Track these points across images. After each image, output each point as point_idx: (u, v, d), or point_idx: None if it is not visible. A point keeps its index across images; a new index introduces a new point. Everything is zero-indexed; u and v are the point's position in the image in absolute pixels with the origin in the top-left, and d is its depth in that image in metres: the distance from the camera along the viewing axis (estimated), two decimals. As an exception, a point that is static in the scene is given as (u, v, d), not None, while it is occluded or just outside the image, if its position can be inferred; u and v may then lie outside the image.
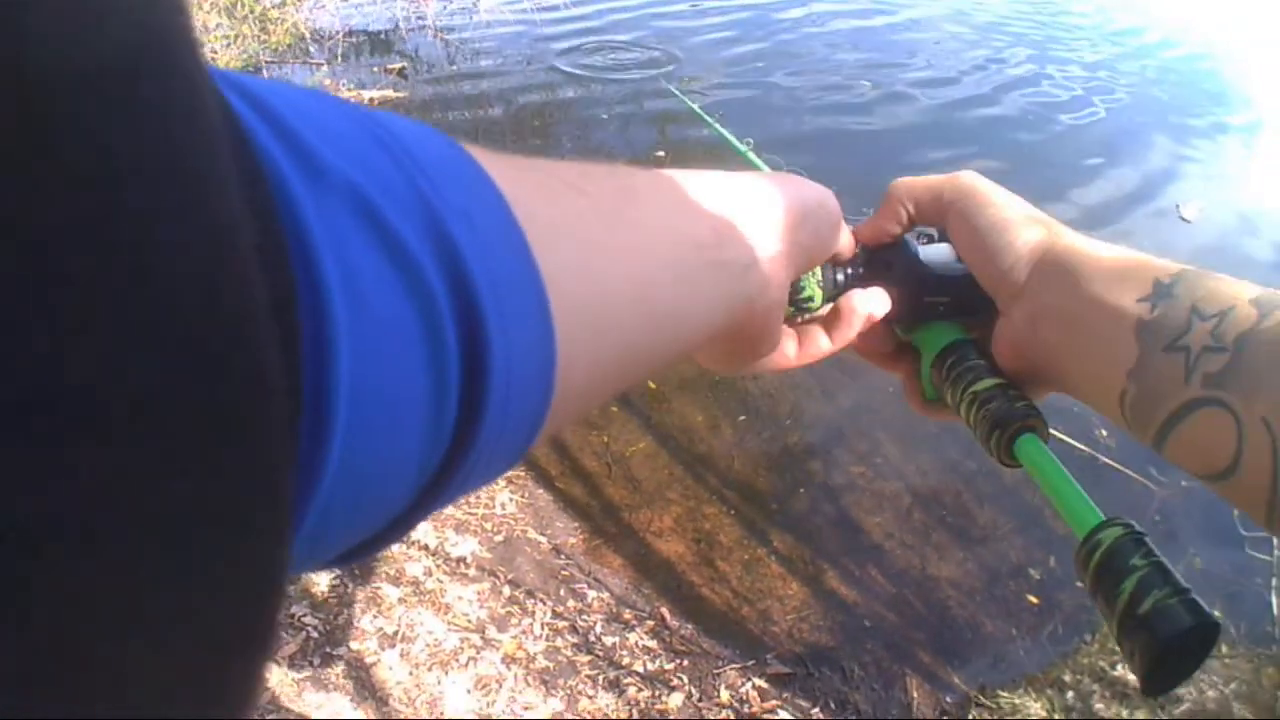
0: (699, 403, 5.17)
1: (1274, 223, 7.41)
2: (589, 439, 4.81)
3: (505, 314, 0.35)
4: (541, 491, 4.48)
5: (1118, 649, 0.63)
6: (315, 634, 3.35)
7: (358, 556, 0.37)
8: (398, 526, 0.38)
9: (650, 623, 3.88)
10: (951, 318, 0.77)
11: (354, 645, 3.38)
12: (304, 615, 3.40)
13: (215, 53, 6.14)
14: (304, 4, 9.27)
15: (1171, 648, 0.52)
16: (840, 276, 0.76)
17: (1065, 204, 6.93)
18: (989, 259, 0.71)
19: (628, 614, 3.91)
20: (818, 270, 0.75)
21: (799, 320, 0.76)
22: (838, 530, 4.52)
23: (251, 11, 7.62)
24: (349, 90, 8.08)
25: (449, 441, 0.35)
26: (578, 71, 9.15)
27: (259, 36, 7.63)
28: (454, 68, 9.27)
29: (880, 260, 0.78)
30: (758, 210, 0.58)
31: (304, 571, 0.44)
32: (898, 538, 4.48)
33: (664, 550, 4.29)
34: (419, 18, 9.66)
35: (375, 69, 9.01)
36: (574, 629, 3.76)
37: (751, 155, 1.07)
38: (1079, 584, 0.60)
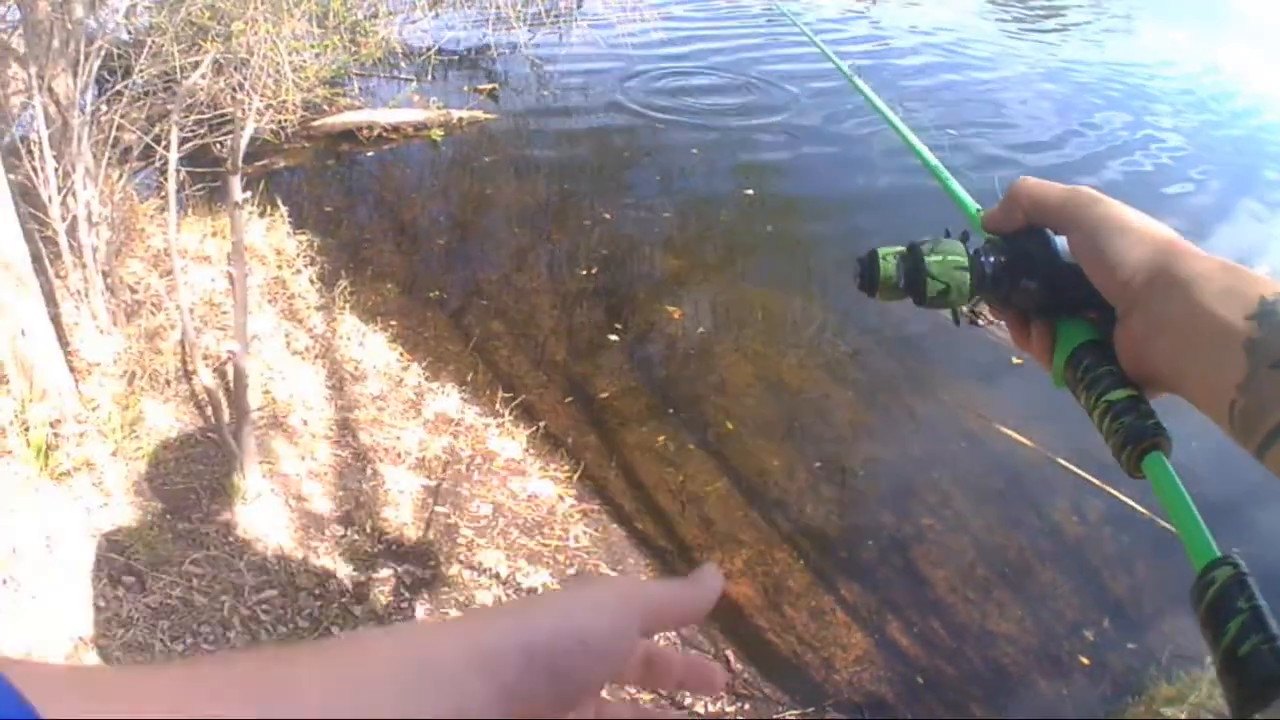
0: (776, 447, 5.16)
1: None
2: (665, 477, 4.82)
3: None
4: (616, 527, 4.47)
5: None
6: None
7: None
8: None
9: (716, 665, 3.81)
10: (1081, 312, 0.81)
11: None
12: (361, 626, 3.39)
13: (304, 63, 6.24)
14: (396, 17, 9.38)
15: (1260, 690, 0.55)
16: (989, 263, 0.84)
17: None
18: (1108, 268, 0.75)
19: (693, 654, 3.83)
20: (958, 251, 0.84)
21: (967, 316, 0.88)
22: (904, 581, 4.51)
23: (343, 21, 7.74)
24: (437, 108, 8.19)
25: None
26: (666, 106, 9.20)
27: (349, 48, 7.75)
28: (543, 94, 9.40)
29: (1020, 249, 0.83)
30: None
31: None
32: (961, 592, 4.47)
33: (734, 592, 4.27)
34: (510, 42, 9.74)
35: (465, 88, 9.13)
36: (637, 666, 3.71)
37: (954, 186, 1.04)
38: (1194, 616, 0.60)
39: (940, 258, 0.84)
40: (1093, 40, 13.88)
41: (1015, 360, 6.01)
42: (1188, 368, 0.71)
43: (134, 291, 4.83)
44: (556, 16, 10.55)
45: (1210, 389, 0.69)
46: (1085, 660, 4.30)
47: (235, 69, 5.27)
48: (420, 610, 3.58)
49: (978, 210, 0.92)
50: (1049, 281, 0.81)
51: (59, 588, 3.11)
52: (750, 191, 7.85)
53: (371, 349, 5.12)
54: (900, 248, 0.87)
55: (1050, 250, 0.80)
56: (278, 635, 3.23)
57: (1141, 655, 4.33)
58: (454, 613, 3.62)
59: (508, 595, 3.83)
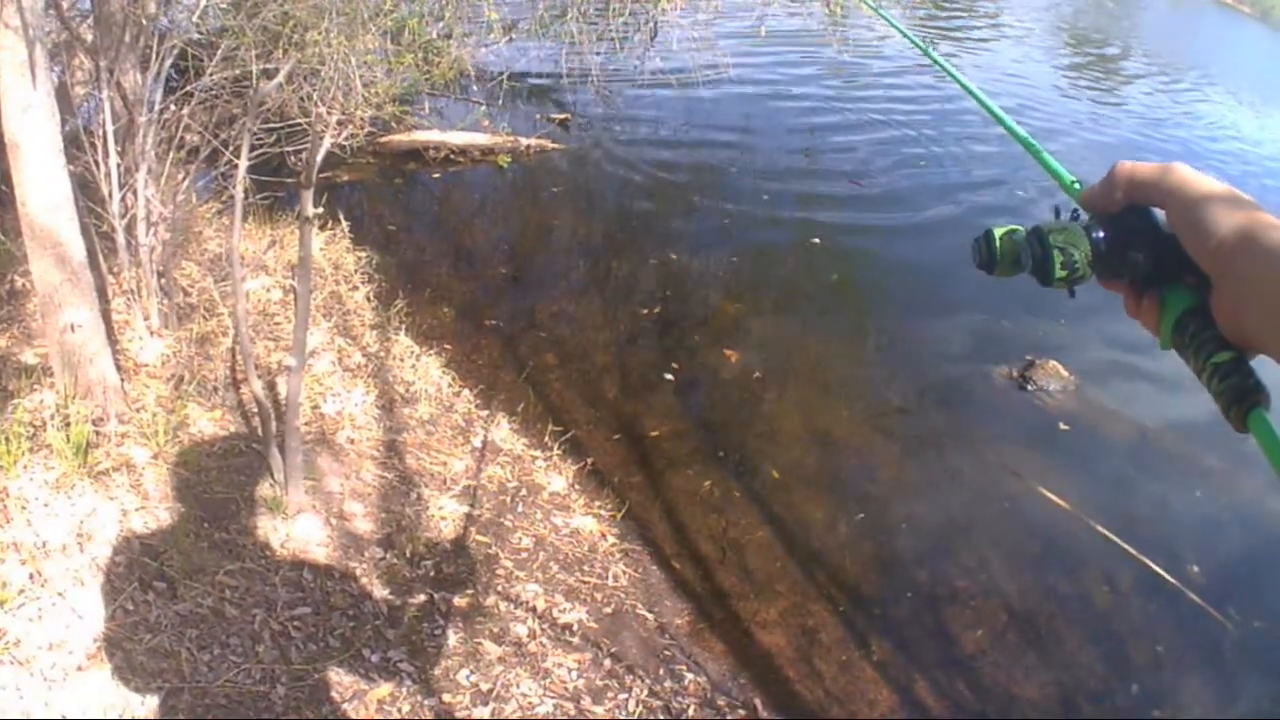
0: (820, 499, 5.15)
1: None
2: (708, 521, 4.81)
3: None
4: (655, 569, 4.45)
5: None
6: (410, 681, 3.33)
7: None
8: None
9: (742, 712, 3.85)
10: (1184, 280, 0.88)
11: (446, 698, 3.36)
12: (400, 661, 3.38)
13: (375, 79, 6.27)
14: (470, 39, 9.46)
15: None
16: (1100, 239, 0.92)
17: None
18: (1200, 238, 0.82)
19: (722, 701, 3.88)
20: (1077, 232, 0.93)
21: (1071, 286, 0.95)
22: (935, 641, 4.52)
23: (417, 39, 7.80)
24: (505, 134, 8.26)
25: None
26: (734, 144, 9.26)
27: (421, 66, 7.80)
28: (614, 127, 9.47)
29: (1125, 225, 0.92)
30: None
31: None
32: (990, 655, 4.47)
33: (766, 641, 4.27)
34: (583, 70, 9.81)
35: (537, 116, 9.21)
36: (667, 709, 3.73)
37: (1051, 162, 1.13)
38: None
39: (1063, 237, 0.93)
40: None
41: (1063, 426, 6.08)
42: (1275, 334, 0.77)
43: (187, 295, 4.87)
44: (630, 48, 10.60)
45: None
46: (1110, 728, 4.40)
47: (305, 79, 5.32)
48: (453, 639, 3.55)
49: (1073, 182, 1.04)
50: (1153, 253, 0.90)
51: (87, 587, 3.10)
52: (816, 240, 7.86)
53: (424, 372, 5.14)
54: (1011, 227, 0.99)
55: (1152, 223, 0.90)
56: (307, 653, 3.20)
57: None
58: (487, 644, 3.63)
59: (542, 629, 3.81)
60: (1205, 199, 0.83)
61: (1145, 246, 0.90)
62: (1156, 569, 5.04)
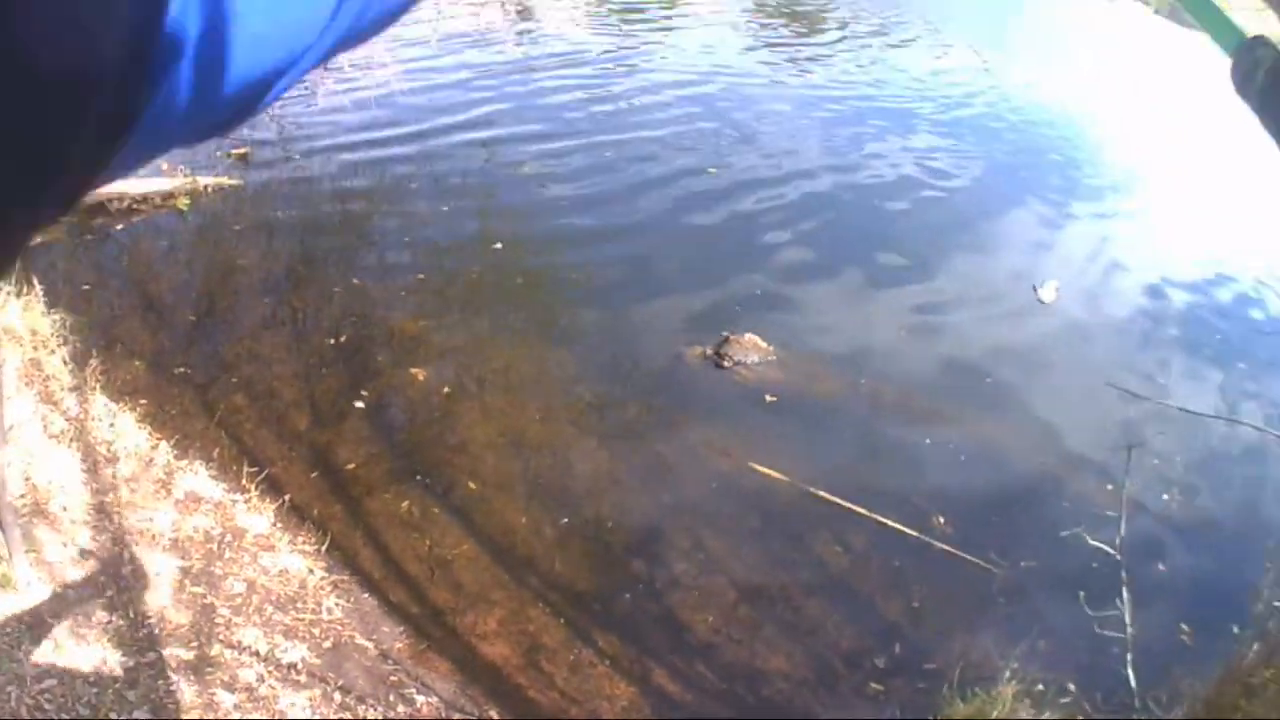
0: (520, 505, 5.57)
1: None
2: (411, 542, 5.29)
3: None
4: (367, 596, 4.93)
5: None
6: (145, 733, 3.76)
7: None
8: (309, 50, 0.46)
9: (482, 725, 4.16)
10: None
11: (186, 750, 3.79)
12: (136, 711, 3.78)
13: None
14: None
15: None
16: None
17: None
18: None
19: (457, 717, 4.29)
20: None
21: None
22: (664, 628, 4.91)
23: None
24: (184, 176, 8.70)
25: None
26: (409, 157, 9.78)
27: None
28: (290, 155, 9.80)
29: None
30: None
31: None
32: (725, 633, 4.87)
33: (490, 653, 4.66)
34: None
35: (216, 152, 9.45)
36: (407, 734, 4.06)
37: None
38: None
39: None
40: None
41: (769, 398, 6.56)
42: None
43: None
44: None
45: None
46: (876, 687, 4.75)
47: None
48: (189, 693, 3.94)
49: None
50: None
51: None
52: (498, 246, 8.39)
53: (122, 429, 5.54)
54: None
55: None
56: (62, 726, 3.56)
57: (933, 677, 4.74)
58: (220, 693, 4.02)
59: (269, 671, 4.19)
60: None
61: None
62: (896, 525, 5.39)
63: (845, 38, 16.35)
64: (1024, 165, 12.16)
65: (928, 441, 6.50)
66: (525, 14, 13.08)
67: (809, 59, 15.16)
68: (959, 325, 8.17)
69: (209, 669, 4.12)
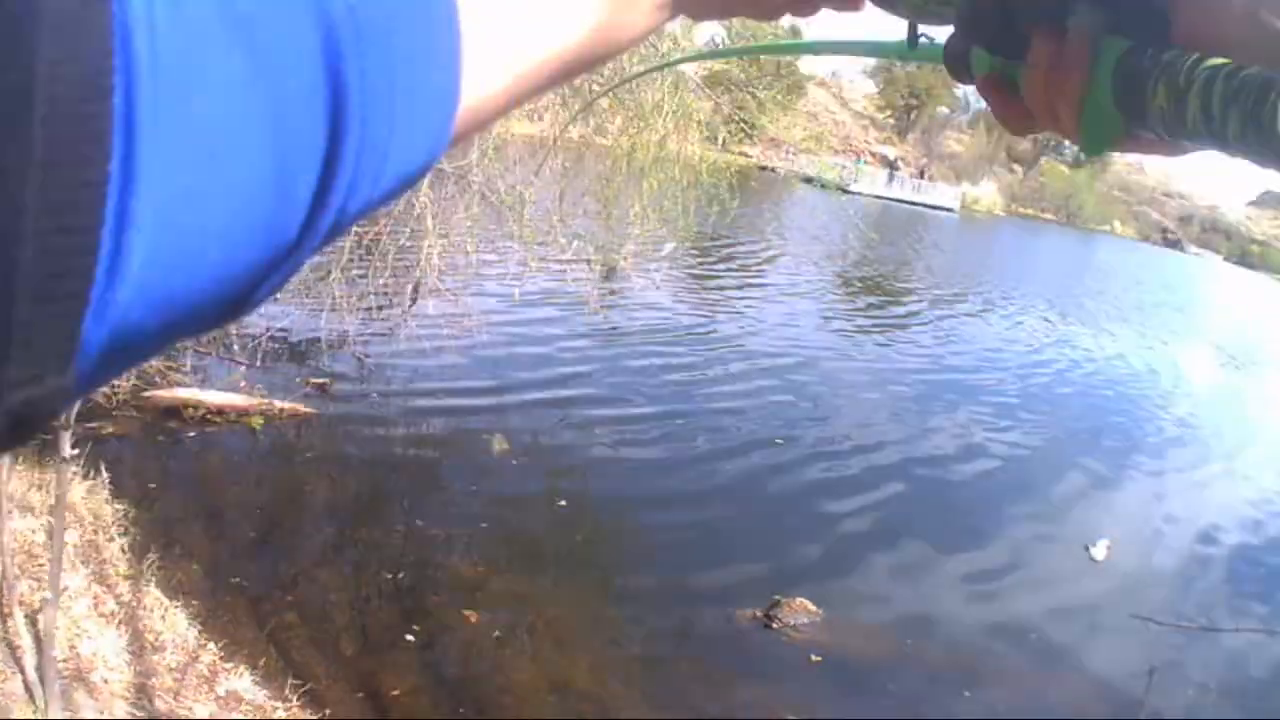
0: None
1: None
2: None
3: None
4: None
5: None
6: None
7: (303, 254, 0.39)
8: (297, 246, 0.39)
9: None
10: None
11: None
12: None
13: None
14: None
15: None
16: None
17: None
18: None
19: None
20: None
21: None
22: None
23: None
24: (260, 396, 8.89)
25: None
26: (484, 408, 9.98)
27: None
28: (369, 391, 10.06)
29: None
30: None
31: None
32: None
33: None
34: (340, 333, 10.41)
35: (297, 379, 9.76)
36: None
37: None
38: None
39: None
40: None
41: (814, 658, 6.62)
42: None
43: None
44: (388, 315, 11.15)
45: None
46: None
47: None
48: None
49: None
50: None
51: None
52: (563, 503, 8.46)
53: (172, 623, 5.48)
54: None
55: None
56: None
57: None
58: None
59: None
60: None
61: None
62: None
63: (922, 309, 16.99)
64: (1087, 429, 13.08)
65: (967, 694, 6.69)
66: (609, 275, 13.18)
67: (885, 329, 16.25)
68: (1009, 590, 8.47)
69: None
